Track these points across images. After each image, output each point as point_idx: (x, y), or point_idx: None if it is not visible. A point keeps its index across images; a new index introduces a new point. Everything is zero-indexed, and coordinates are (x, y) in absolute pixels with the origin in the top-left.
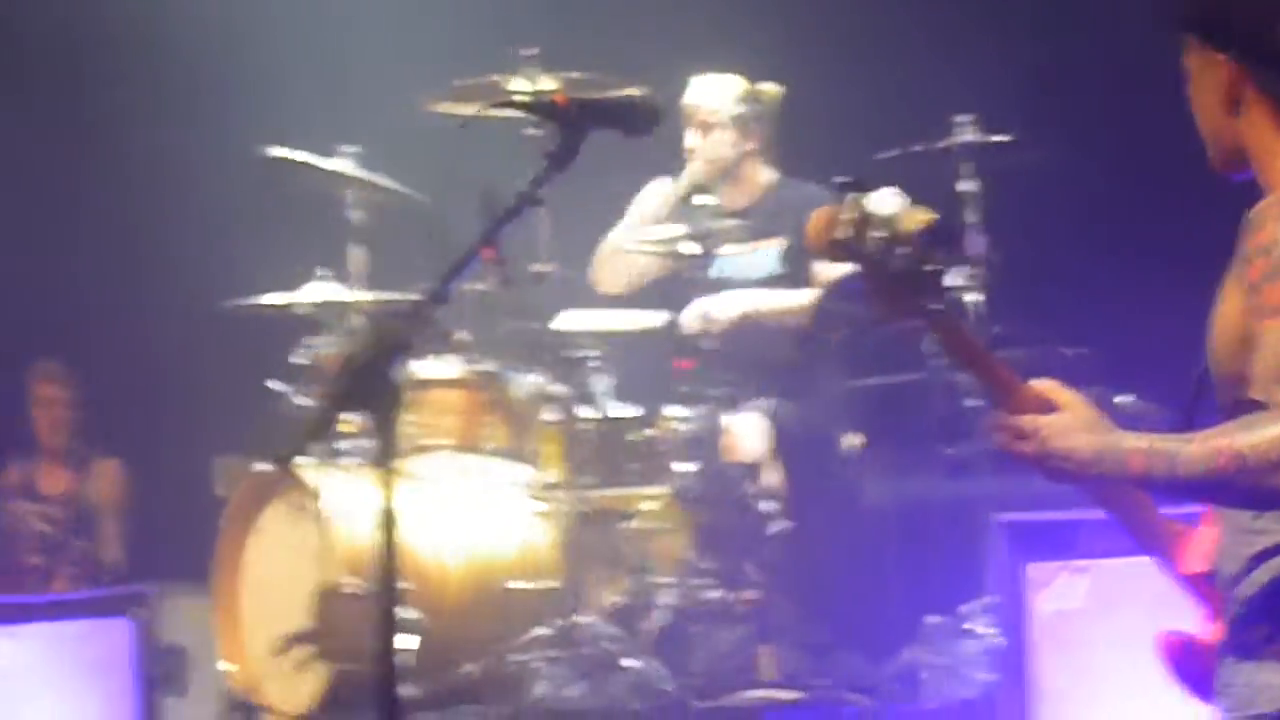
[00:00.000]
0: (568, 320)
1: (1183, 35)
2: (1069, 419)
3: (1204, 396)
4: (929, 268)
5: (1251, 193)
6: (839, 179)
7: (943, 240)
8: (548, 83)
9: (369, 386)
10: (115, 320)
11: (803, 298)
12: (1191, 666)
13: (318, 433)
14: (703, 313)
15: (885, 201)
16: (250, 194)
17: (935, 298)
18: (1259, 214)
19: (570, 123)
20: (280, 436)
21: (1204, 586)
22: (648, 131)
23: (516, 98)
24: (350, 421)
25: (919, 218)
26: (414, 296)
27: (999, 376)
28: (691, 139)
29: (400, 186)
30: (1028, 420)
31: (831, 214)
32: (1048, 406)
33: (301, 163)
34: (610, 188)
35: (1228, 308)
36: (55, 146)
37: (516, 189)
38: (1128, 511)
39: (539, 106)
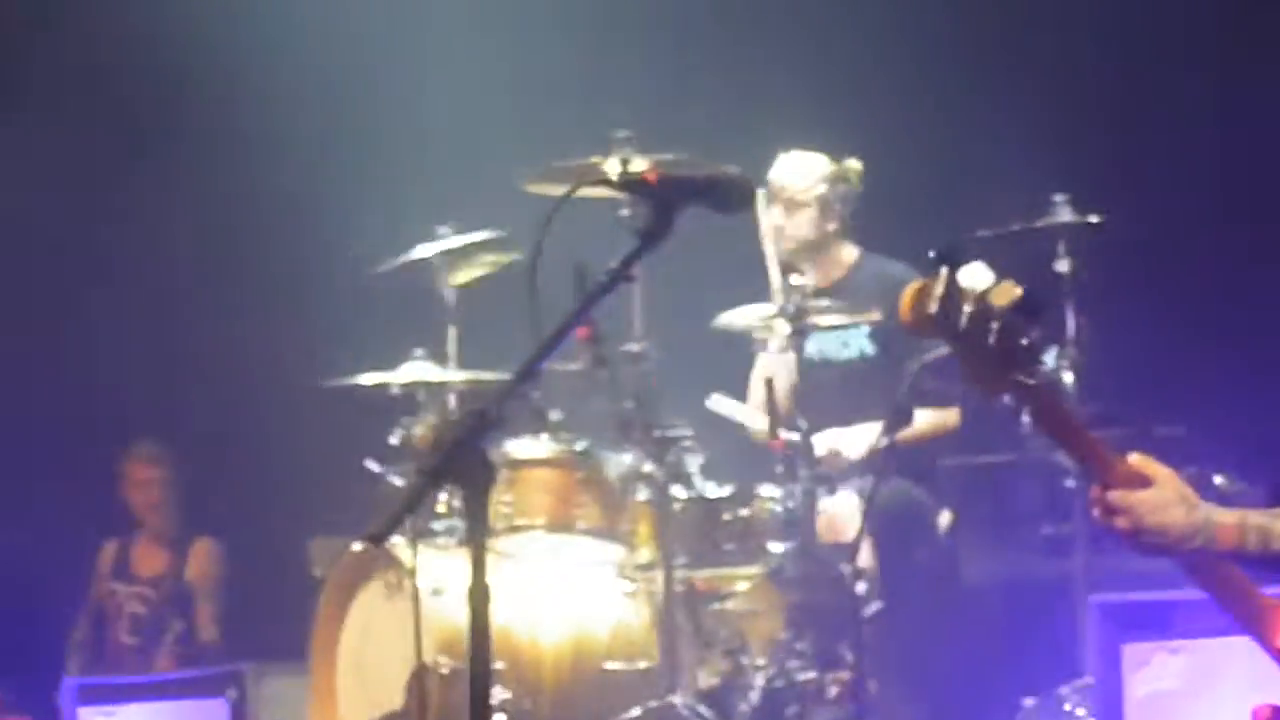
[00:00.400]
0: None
1: None
2: (1162, 494)
3: None
4: (1022, 342)
5: None
6: (930, 254)
7: (1032, 313)
8: (641, 163)
9: (462, 465)
10: (212, 400)
11: (922, 421)
12: None
13: (412, 511)
14: (833, 449)
15: (974, 276)
16: (347, 271)
17: (1029, 372)
18: None
19: (661, 200)
20: (376, 516)
21: None
22: (740, 208)
23: (608, 176)
24: (444, 500)
25: (1007, 291)
26: (507, 375)
27: (1093, 452)
28: (776, 217)
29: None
30: (1121, 496)
31: (923, 289)
32: (1142, 482)
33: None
34: (703, 266)
35: None
36: (152, 227)
37: (608, 267)
38: (1222, 588)
39: (630, 184)
